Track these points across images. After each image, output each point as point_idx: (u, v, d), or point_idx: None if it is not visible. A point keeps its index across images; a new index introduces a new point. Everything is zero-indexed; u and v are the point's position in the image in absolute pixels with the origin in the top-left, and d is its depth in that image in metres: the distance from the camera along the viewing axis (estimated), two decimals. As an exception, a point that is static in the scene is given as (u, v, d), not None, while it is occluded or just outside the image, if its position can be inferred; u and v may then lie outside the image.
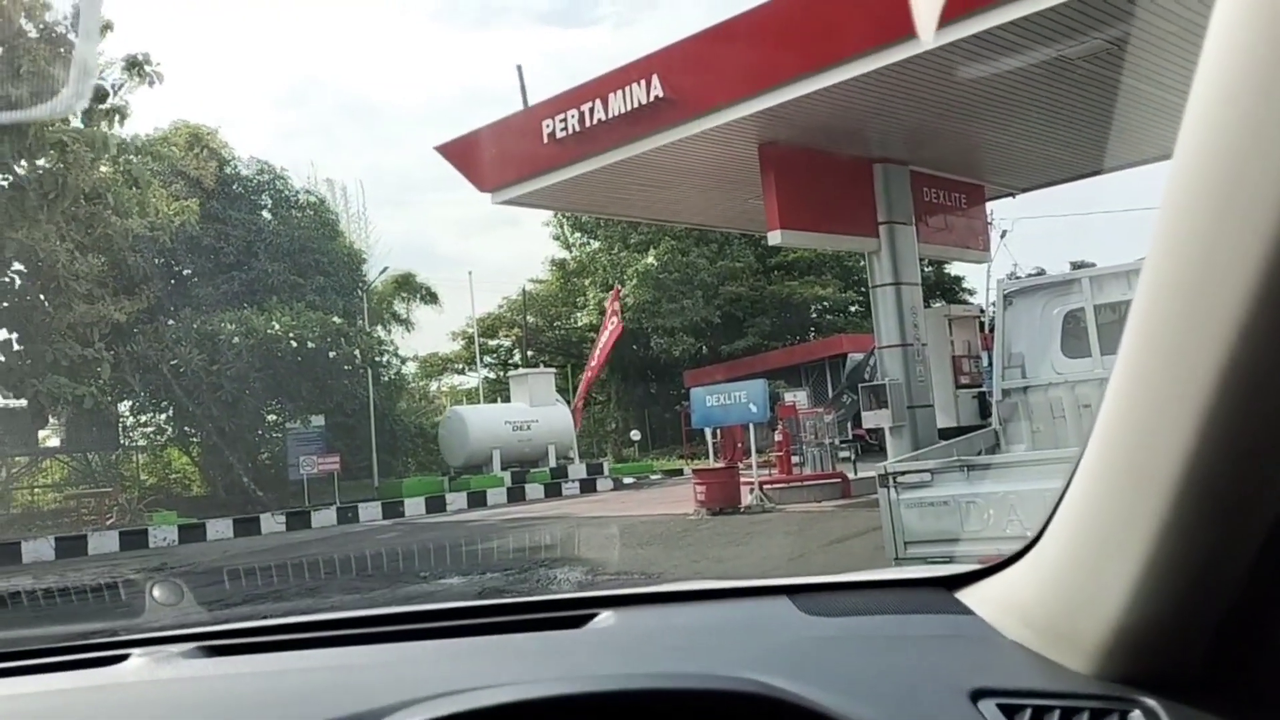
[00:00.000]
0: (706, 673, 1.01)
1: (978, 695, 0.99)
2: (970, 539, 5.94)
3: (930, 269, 27.69)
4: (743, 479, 14.63)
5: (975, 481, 6.15)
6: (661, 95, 12.13)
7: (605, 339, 27.44)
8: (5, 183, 18.88)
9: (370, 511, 20.15)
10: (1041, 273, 9.83)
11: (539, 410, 25.75)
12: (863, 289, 26.72)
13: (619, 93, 12.55)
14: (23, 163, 18.75)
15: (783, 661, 1.08)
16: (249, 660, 1.34)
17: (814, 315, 34.67)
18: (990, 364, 13.13)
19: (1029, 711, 0.97)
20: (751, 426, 15.39)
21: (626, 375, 33.28)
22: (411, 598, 9.04)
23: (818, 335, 33.11)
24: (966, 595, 1.26)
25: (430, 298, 30.18)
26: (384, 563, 10.21)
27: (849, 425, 20.63)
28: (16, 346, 20.34)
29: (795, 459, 16.36)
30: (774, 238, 13.22)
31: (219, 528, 18.55)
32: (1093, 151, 14.23)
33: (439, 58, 69.71)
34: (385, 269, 28.83)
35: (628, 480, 24.63)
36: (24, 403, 20.88)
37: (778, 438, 16.62)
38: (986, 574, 1.28)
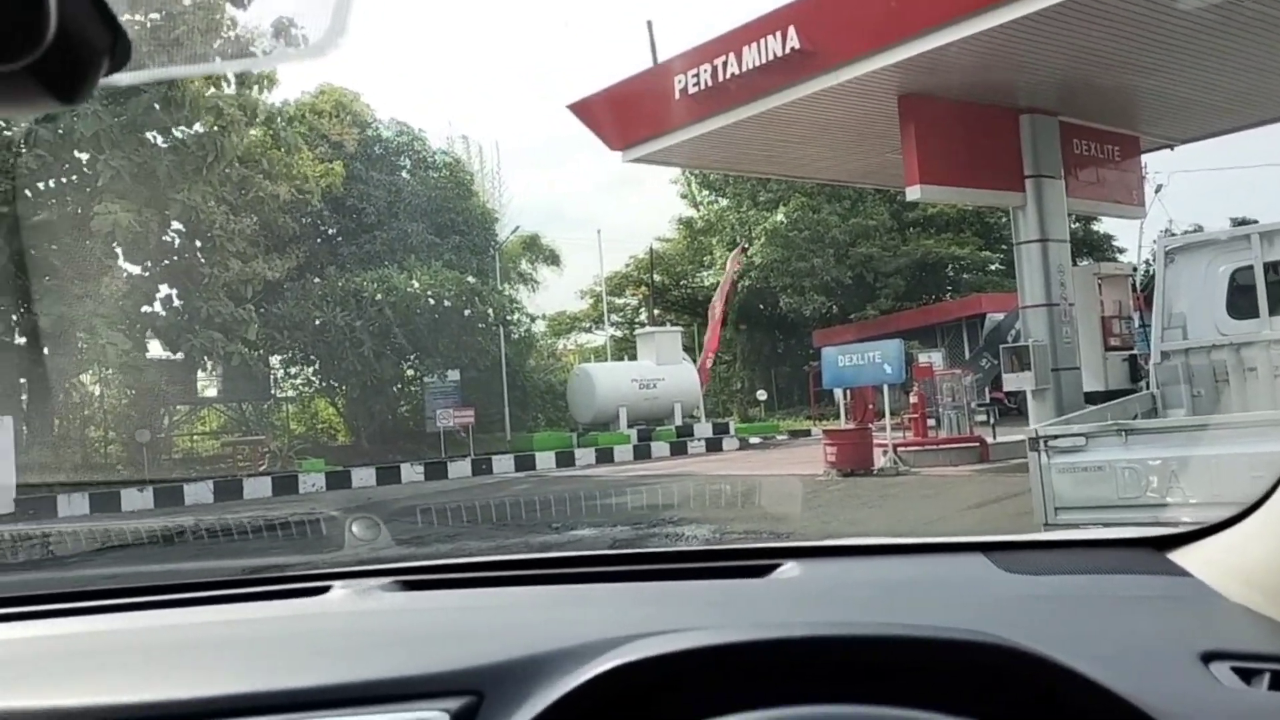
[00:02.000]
0: (919, 624, 0.98)
1: (1209, 658, 0.94)
2: (1127, 506, 5.68)
3: (1078, 225, 26.43)
4: (875, 441, 14.39)
5: (1133, 447, 5.86)
6: (798, 47, 11.86)
7: (720, 297, 27.38)
8: (167, 146, 19.96)
9: (503, 464, 20.70)
10: (1199, 229, 9.24)
11: (665, 369, 25.85)
12: (1004, 246, 25.78)
13: (753, 45, 12.33)
14: (182, 127, 19.78)
15: (987, 618, 1.05)
16: (443, 595, 1.38)
17: (951, 274, 33.62)
18: (1142, 325, 12.50)
19: (1268, 676, 0.92)
20: (885, 388, 15.09)
21: (753, 334, 33.05)
22: (547, 546, 9.28)
23: (954, 295, 32.14)
24: (1180, 556, 1.20)
25: (553, 259, 30.54)
26: (522, 512, 10.47)
27: (987, 388, 20.04)
28: (176, 302, 21.57)
29: (930, 422, 15.99)
30: (912, 193, 12.84)
31: (362, 475, 19.35)
32: (1260, 101, 13.28)
33: (572, 15, 69.91)
34: (517, 228, 29.32)
35: (754, 440, 24.56)
36: (181, 356, 22.18)
37: (912, 399, 16.27)
38: (1200, 535, 1.21)
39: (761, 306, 32.10)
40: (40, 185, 20.16)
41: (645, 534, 9.87)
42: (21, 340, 20.57)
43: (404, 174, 27.00)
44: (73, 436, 21.38)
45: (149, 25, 18.07)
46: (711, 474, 16.16)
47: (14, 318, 20.08)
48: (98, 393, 21.85)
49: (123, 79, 0.74)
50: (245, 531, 8.04)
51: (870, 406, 16.84)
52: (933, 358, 20.03)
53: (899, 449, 14.37)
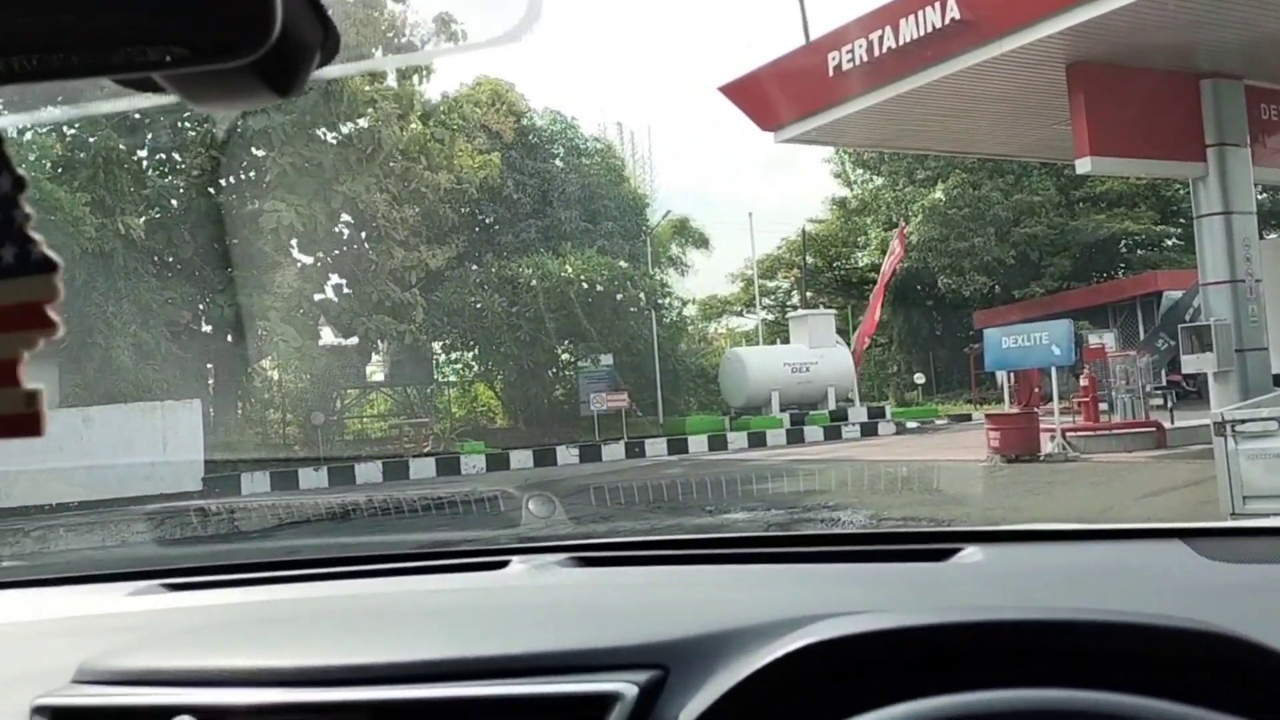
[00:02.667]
0: (1124, 611, 0.93)
1: None
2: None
3: (1265, 195, 24.53)
4: (1041, 426, 13.80)
5: (1334, 433, 5.42)
6: (958, 17, 11.43)
7: (883, 279, 26.72)
8: (334, 140, 20.98)
9: (656, 447, 20.89)
10: None
11: (818, 352, 25.48)
12: (1182, 220, 24.23)
13: (911, 17, 11.97)
14: (348, 122, 20.77)
15: (1190, 606, 0.98)
16: (620, 572, 1.41)
17: (1123, 251, 31.81)
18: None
19: None
20: (1053, 370, 14.45)
21: (910, 316, 32.18)
22: (701, 529, 9.32)
23: (1127, 273, 30.41)
24: None
25: (702, 242, 30.50)
26: (678, 494, 10.55)
27: (1163, 370, 18.90)
28: (347, 290, 22.69)
29: (1101, 406, 15.21)
30: (1083, 165, 12.23)
31: (520, 458, 19.90)
32: None
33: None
34: (668, 213, 29.44)
35: (911, 424, 23.95)
36: (354, 341, 23.32)
37: (1082, 383, 15.51)
38: None
39: (919, 287, 31.21)
40: (222, 182, 21.56)
41: (800, 518, 9.78)
42: (208, 329, 22.06)
43: (558, 162, 27.50)
44: (254, 418, 22.83)
45: (354, 18, 19.00)
46: (867, 459, 15.87)
47: (200, 307, 21.54)
48: (276, 377, 23.19)
49: (331, 72, 0.77)
50: (428, 508, 8.44)
51: (1036, 390, 16.14)
52: (1104, 339, 19.03)
53: (1067, 434, 13.74)
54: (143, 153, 21.49)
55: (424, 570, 1.51)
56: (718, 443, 21.52)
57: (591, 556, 1.48)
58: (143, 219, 20.09)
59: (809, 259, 34.28)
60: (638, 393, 25.21)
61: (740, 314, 37.30)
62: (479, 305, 24.03)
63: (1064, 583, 1.18)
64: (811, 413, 24.37)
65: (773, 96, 14.29)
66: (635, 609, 1.22)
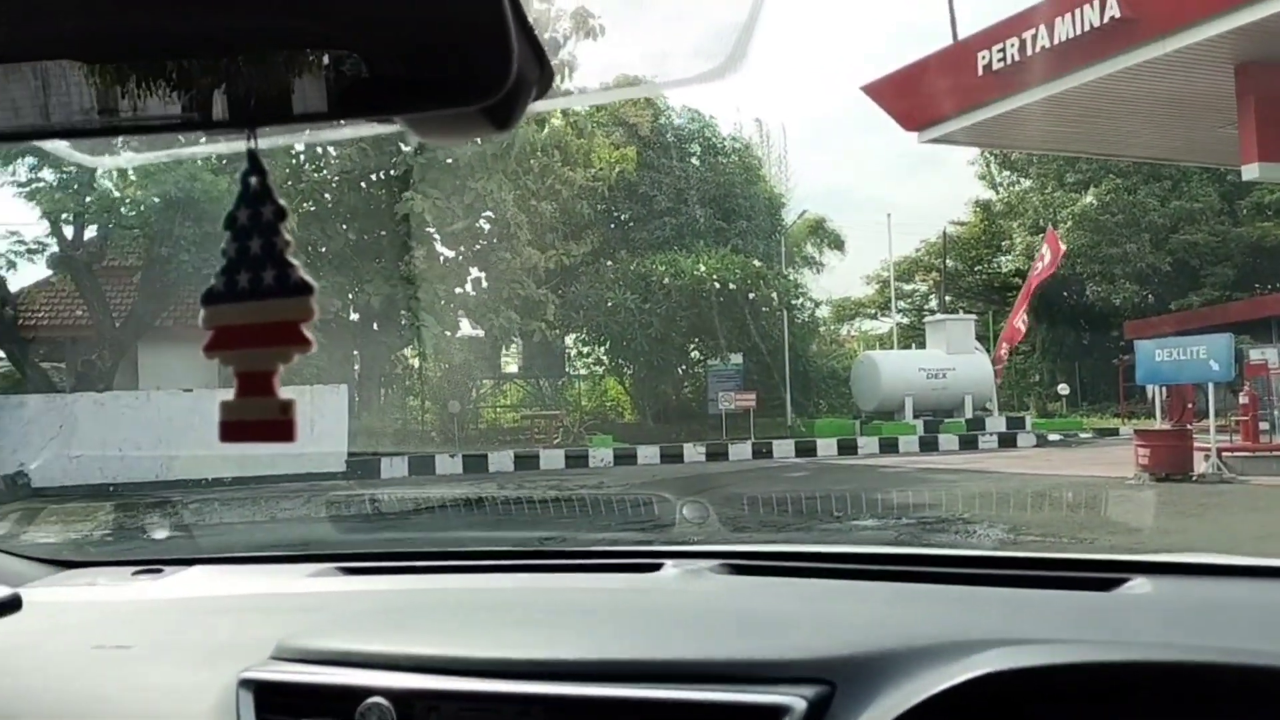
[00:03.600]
0: None
1: None
2: None
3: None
4: (1195, 444, 13.09)
5: None
6: (1118, 15, 10.93)
7: (1031, 284, 25.75)
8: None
9: (783, 449, 20.71)
10: None
11: (956, 358, 24.77)
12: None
13: (1068, 16, 11.51)
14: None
15: None
16: (777, 582, 1.42)
17: (1291, 262, 29.85)
18: None
19: None
20: (1210, 386, 13.68)
21: (1055, 324, 30.93)
22: (826, 537, 9.20)
23: (1295, 284, 28.49)
24: None
25: (838, 243, 30.05)
26: (803, 502, 10.45)
27: (1335, 390, 17.63)
28: (484, 284, 23.29)
29: (1262, 425, 14.33)
30: (1249, 172, 11.55)
31: (648, 454, 20.03)
32: None
33: (861, -5, 68.32)
34: (804, 212, 29.14)
35: (1053, 437, 23.03)
36: (489, 333, 23.94)
37: (1242, 400, 14.64)
38: None
39: (1065, 294, 29.97)
40: (373, 176, 22.41)
41: (933, 530, 9.55)
42: (355, 316, 23.00)
43: (694, 160, 27.54)
44: (395, 405, 23.69)
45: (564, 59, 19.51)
46: (1005, 470, 15.35)
47: (350, 295, 22.47)
48: (417, 366, 23.99)
49: (539, 106, 0.82)
50: (585, 505, 8.59)
51: (1190, 406, 15.29)
52: (1267, 355, 17.89)
53: (1224, 454, 12.99)
54: (299, 147, 22.56)
55: (581, 568, 1.56)
56: (847, 447, 21.17)
57: (745, 565, 1.50)
58: (298, 212, 21.06)
59: (949, 262, 33.35)
60: (766, 393, 25.05)
61: (875, 317, 36.59)
62: (611, 301, 24.29)
63: (1243, 621, 1.14)
64: (947, 420, 23.71)
65: (918, 96, 13.97)
66: (795, 622, 1.23)
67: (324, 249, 22.29)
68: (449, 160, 20.67)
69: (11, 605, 1.51)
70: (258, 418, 0.69)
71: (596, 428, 24.74)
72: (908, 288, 35.40)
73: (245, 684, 1.13)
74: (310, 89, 0.69)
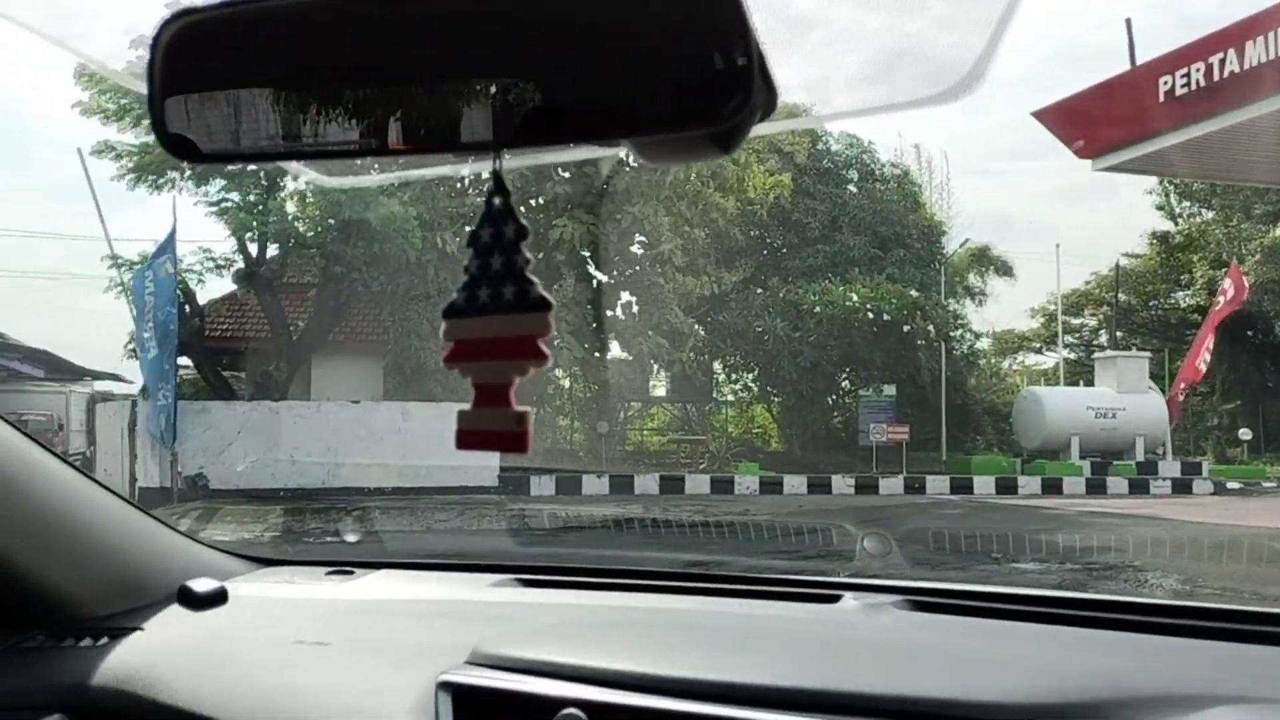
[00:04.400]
0: None
1: None
2: None
3: None
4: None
5: None
6: (1319, 37, 10.24)
7: (1213, 321, 24.20)
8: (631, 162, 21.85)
9: (937, 485, 20.09)
10: None
11: (1127, 398, 23.49)
12: None
13: (1259, 39, 10.86)
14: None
15: None
16: (961, 622, 1.37)
17: None
18: None
19: None
20: None
21: (1237, 364, 28.94)
22: (985, 576, 8.84)
23: None
24: None
25: (1005, 270, 29.02)
26: (961, 540, 10.09)
27: None
28: (635, 309, 23.55)
29: None
30: None
31: (794, 484, 19.78)
32: None
33: (1030, 17, 66.09)
34: (966, 240, 28.32)
35: (1232, 485, 21.52)
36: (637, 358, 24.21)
37: None
38: None
39: (1250, 332, 28.06)
40: (532, 202, 23.01)
41: (1100, 577, 9.06)
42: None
43: (850, 187, 27.18)
44: (546, 424, 24.20)
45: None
46: (1180, 519, 14.43)
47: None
48: (567, 386, 24.45)
49: (763, 129, 0.82)
50: (764, 531, 8.57)
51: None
52: None
53: None
54: (464, 171, 23.39)
55: (760, 595, 1.55)
56: (1006, 485, 20.35)
57: (928, 601, 1.46)
58: (458, 236, 21.83)
59: (1121, 296, 31.72)
60: (920, 427, 24.39)
61: (1039, 351, 35.07)
62: (761, 329, 24.18)
63: None
64: (1116, 463, 22.50)
65: (1092, 122, 13.41)
66: (988, 663, 1.19)
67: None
68: (605, 187, 21.06)
69: (219, 598, 1.61)
70: (494, 428, 0.72)
71: (742, 455, 24.61)
72: (1075, 321, 33.83)
73: (444, 687, 1.17)
74: (554, 113, 0.71)
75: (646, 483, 19.61)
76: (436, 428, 18.32)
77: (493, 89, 0.70)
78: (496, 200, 0.73)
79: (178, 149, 0.72)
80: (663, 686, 1.09)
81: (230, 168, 18.72)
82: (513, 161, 0.77)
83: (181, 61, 0.71)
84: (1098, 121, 13.32)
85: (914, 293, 24.73)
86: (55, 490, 1.52)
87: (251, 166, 18.83)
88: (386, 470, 17.06)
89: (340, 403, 18.41)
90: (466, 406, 0.74)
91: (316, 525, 12.57)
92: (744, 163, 22.99)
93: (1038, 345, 34.65)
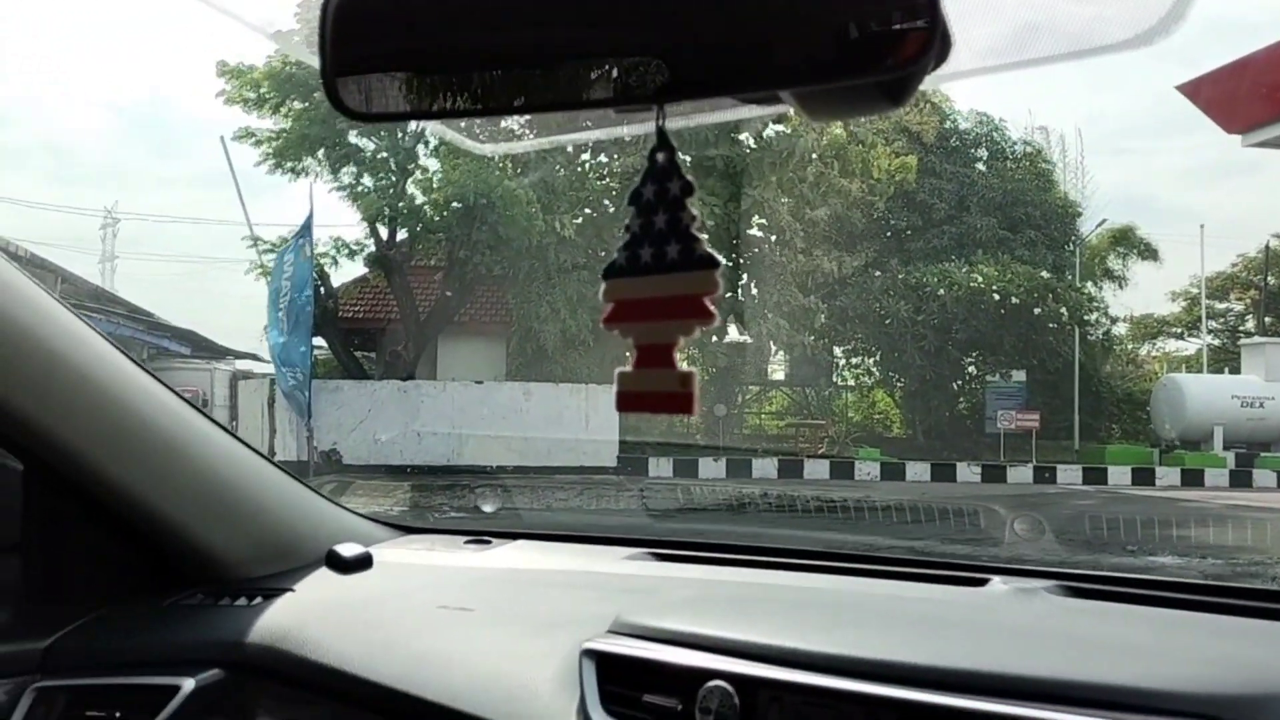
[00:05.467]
0: None
1: None
2: None
3: None
4: None
5: None
6: None
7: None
8: (752, 144, 21.65)
9: (1068, 474, 19.38)
10: None
11: (1276, 386, 22.17)
12: None
13: None
14: (770, 127, 21.36)
15: None
16: (1120, 609, 1.31)
17: None
18: None
19: None
20: None
21: (1403, 353, 26.97)
22: (1119, 569, 8.47)
23: None
24: None
25: (1149, 253, 27.68)
26: (1087, 527, 9.72)
27: None
28: (753, 290, 23.37)
29: None
30: None
31: (916, 470, 19.38)
32: None
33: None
34: (1103, 221, 27.13)
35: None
36: (755, 340, 24.03)
37: None
38: None
39: None
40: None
41: (1245, 572, 8.59)
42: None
43: (979, 166, 26.32)
44: (664, 405, 24.23)
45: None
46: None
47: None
48: (685, 367, 24.45)
49: (930, 81, 0.77)
50: (902, 511, 8.44)
51: None
52: None
53: None
54: (585, 156, 23.61)
55: (903, 576, 1.51)
56: (1143, 476, 19.48)
57: (1082, 587, 1.40)
58: (579, 219, 22.03)
59: (1271, 279, 29.89)
60: (1050, 414, 23.54)
61: (1181, 337, 33.34)
62: (883, 311, 23.69)
63: None
64: (1263, 454, 21.26)
65: (1243, 96, 12.65)
66: (1151, 651, 1.13)
67: (602, 253, 23.17)
68: (725, 168, 20.93)
69: (365, 563, 1.66)
70: (657, 389, 0.71)
71: (863, 440, 24.20)
72: (1220, 306, 32.05)
73: (588, 654, 1.17)
74: (718, 65, 0.69)
75: (764, 466, 19.50)
76: (556, 407, 18.69)
77: (656, 41, 0.68)
78: (660, 156, 0.71)
79: (347, 107, 0.72)
80: (811, 662, 1.07)
81: (364, 152, 19.39)
82: (670, 123, 0.75)
83: (350, 21, 0.71)
84: (1249, 95, 12.57)
85: (1045, 275, 23.83)
86: (217, 456, 1.58)
87: (383, 154, 19.52)
88: (508, 448, 17.44)
89: (464, 382, 18.87)
90: (627, 368, 0.73)
91: (443, 500, 12.93)
92: (869, 143, 22.52)
93: (1179, 331, 32.94)
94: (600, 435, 18.58)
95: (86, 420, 1.41)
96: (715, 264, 0.69)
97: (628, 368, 0.73)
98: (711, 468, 19.30)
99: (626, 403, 0.72)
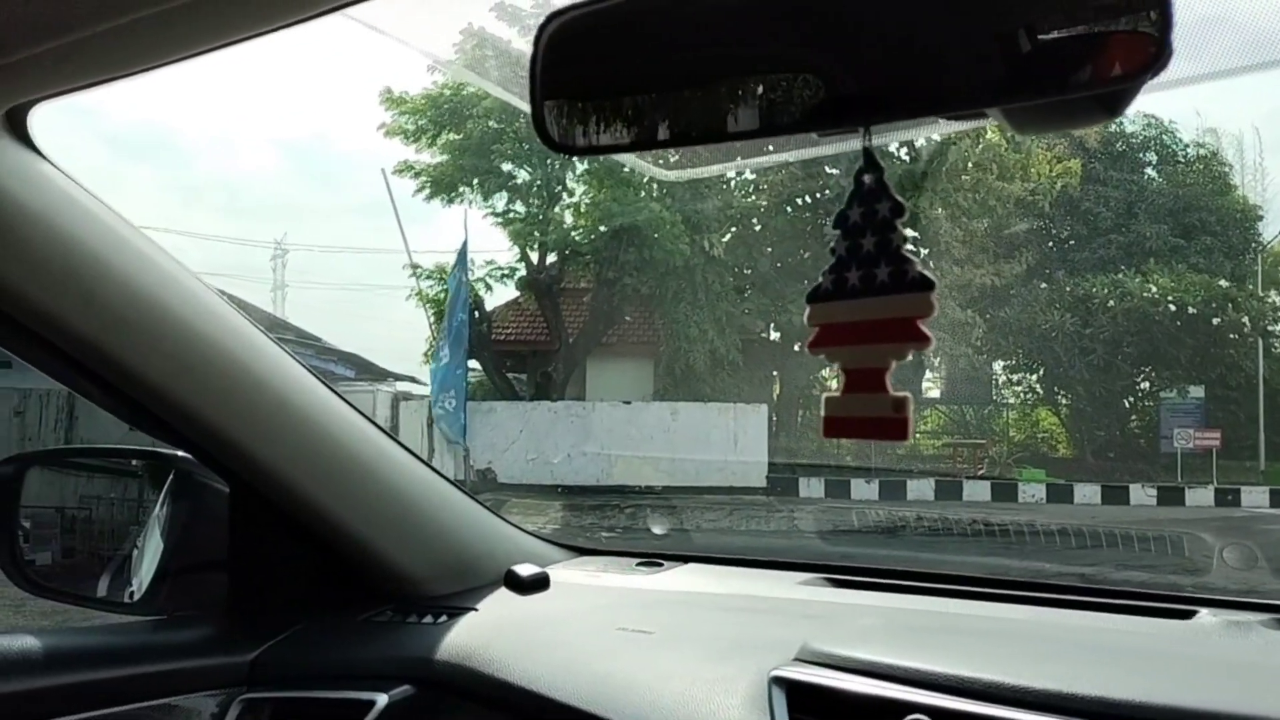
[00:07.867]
0: None
1: None
2: None
3: None
4: None
5: None
6: None
7: None
8: (907, 156, 21.21)
9: (1254, 497, 18.09)
10: None
11: None
12: None
13: None
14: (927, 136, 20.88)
15: None
16: None
17: None
18: None
19: None
20: None
21: None
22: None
23: None
24: None
25: (1345, 259, 25.62)
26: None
27: None
28: (908, 305, 22.82)
29: None
30: None
31: (1085, 492, 18.47)
32: None
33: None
34: (1287, 225, 25.30)
35: None
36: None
37: None
38: None
39: None
40: (798, 200, 22.84)
41: None
42: (776, 336, 23.58)
43: (1149, 171, 24.99)
44: (812, 427, 23.89)
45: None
46: None
47: (772, 317, 23.10)
48: (834, 387, 24.02)
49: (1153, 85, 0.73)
50: (1094, 538, 8.08)
51: None
52: None
53: None
54: (730, 174, 23.59)
55: (1100, 607, 1.43)
56: (1341, 500, 18.01)
57: None
58: (727, 237, 22.03)
59: None
60: (1232, 432, 22.02)
61: (1380, 349, 30.69)
62: (1046, 325, 22.71)
63: None
64: None
65: None
66: None
67: (749, 271, 23.09)
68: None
69: (542, 583, 1.69)
70: (868, 414, 0.69)
71: (1026, 460, 23.21)
72: None
73: (777, 682, 1.15)
74: (924, 83, 0.67)
75: (920, 487, 18.95)
76: (705, 427, 18.69)
77: (864, 61, 0.67)
78: (867, 178, 0.70)
79: (556, 143, 0.74)
80: (1018, 698, 1.02)
81: (515, 179, 19.97)
82: (844, 145, 0.74)
83: (558, 58, 0.73)
84: None
85: (1224, 283, 22.36)
86: (405, 478, 1.65)
87: (538, 181, 20.06)
88: (656, 469, 17.55)
89: (613, 403, 19.11)
90: (834, 393, 0.71)
91: (593, 520, 13.10)
92: (1027, 149, 21.72)
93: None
94: (749, 456, 18.49)
95: (287, 443, 1.49)
96: (930, 285, 0.67)
97: (835, 392, 0.71)
98: (864, 489, 18.89)
99: (835, 428, 0.70)
